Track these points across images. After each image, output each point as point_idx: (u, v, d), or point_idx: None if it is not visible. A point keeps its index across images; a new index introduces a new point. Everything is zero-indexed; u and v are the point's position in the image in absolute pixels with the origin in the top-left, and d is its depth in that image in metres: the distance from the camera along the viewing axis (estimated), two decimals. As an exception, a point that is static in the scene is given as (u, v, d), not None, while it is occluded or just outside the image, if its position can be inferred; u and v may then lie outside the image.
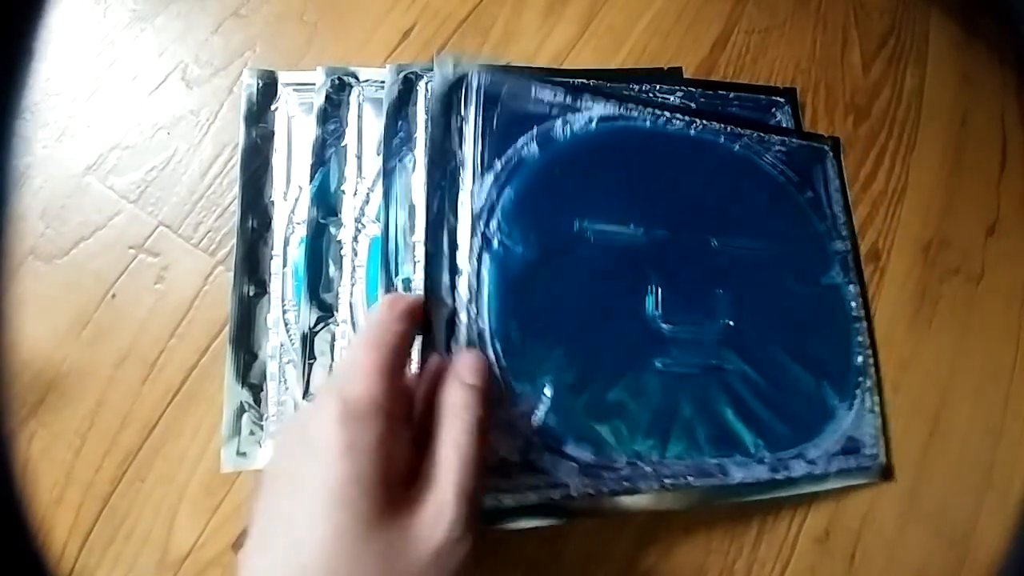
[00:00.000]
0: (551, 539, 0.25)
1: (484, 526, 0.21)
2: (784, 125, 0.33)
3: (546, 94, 0.26)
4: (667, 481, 0.24)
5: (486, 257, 0.23)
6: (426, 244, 0.22)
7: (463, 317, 0.22)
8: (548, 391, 0.23)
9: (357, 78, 0.28)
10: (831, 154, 0.33)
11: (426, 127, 0.25)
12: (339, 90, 0.28)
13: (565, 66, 0.32)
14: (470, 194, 0.23)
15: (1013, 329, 0.34)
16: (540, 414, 0.22)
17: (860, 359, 0.30)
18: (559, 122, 0.26)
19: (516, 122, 0.25)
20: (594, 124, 0.27)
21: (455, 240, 0.23)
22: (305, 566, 0.15)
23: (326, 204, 0.27)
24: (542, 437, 0.22)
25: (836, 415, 0.28)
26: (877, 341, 0.31)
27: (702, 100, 0.31)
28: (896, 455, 0.30)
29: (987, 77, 0.40)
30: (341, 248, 0.26)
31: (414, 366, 0.21)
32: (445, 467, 0.17)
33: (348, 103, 0.28)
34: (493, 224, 0.23)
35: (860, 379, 0.29)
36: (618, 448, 0.23)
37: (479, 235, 0.23)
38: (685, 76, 0.33)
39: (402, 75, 0.27)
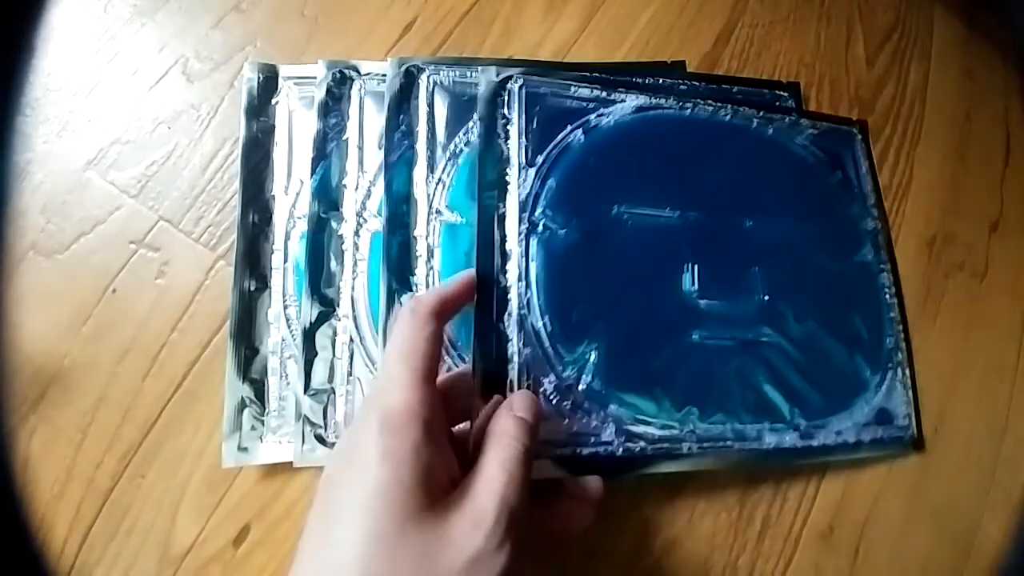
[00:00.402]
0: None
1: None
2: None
3: (583, 91, 0.28)
4: (705, 445, 0.25)
5: (532, 240, 0.25)
6: (478, 231, 0.24)
7: (513, 294, 0.24)
8: (593, 358, 0.24)
9: (358, 72, 0.28)
10: (859, 136, 0.34)
11: (474, 129, 0.27)
12: (340, 84, 0.28)
13: (567, 61, 0.32)
14: (517, 185, 0.25)
15: (1017, 325, 0.34)
16: (586, 378, 0.24)
17: (892, 334, 0.31)
18: (595, 116, 0.28)
19: (556, 119, 0.27)
20: (629, 115, 0.29)
21: (504, 227, 0.25)
22: (342, 565, 0.15)
23: (327, 198, 0.27)
24: (586, 399, 0.24)
25: (869, 387, 0.29)
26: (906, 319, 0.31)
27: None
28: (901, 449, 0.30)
29: (990, 73, 0.40)
30: (342, 243, 0.26)
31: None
32: (490, 481, 0.17)
33: (349, 97, 0.28)
34: (538, 211, 0.25)
35: (892, 353, 0.30)
36: (658, 412, 0.25)
37: (526, 221, 0.25)
38: (688, 70, 0.33)
39: (404, 68, 0.28)
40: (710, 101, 0.30)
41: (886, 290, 0.31)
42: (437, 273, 0.26)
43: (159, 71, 0.29)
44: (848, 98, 0.35)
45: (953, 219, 0.35)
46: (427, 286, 0.26)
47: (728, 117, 0.30)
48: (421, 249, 0.26)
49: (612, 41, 0.33)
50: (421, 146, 0.27)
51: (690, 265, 0.27)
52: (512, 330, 0.23)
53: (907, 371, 0.30)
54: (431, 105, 0.28)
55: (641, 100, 0.29)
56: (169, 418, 0.25)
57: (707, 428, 0.25)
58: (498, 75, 0.26)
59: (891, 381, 0.30)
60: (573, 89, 0.28)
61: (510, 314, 0.24)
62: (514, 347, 0.23)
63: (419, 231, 0.26)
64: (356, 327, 0.25)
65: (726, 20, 0.35)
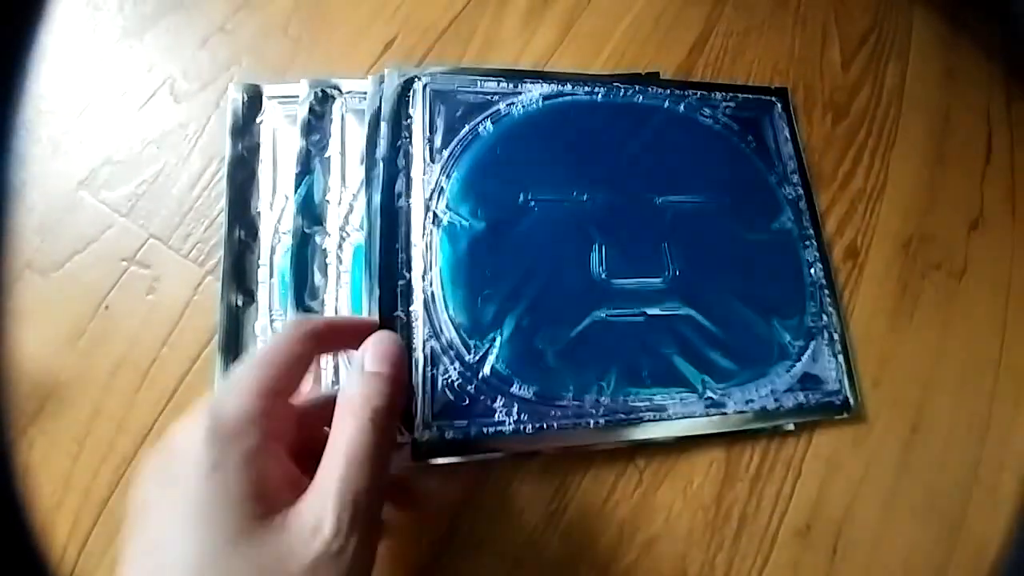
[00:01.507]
0: (535, 538, 0.26)
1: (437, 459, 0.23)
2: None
3: (490, 85, 0.29)
4: (611, 418, 0.26)
5: (437, 232, 0.26)
6: (381, 227, 0.25)
7: (418, 288, 0.25)
8: (498, 341, 0.26)
9: (340, 90, 0.29)
10: (779, 104, 0.34)
11: (375, 129, 0.28)
12: (322, 102, 0.29)
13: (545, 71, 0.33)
14: (421, 180, 0.27)
15: (998, 323, 0.34)
16: (491, 361, 0.25)
17: (814, 298, 0.31)
18: (503, 107, 0.29)
19: (462, 114, 0.29)
20: (537, 104, 0.30)
21: (409, 221, 0.26)
22: None
23: (311, 214, 0.27)
24: (490, 381, 0.25)
25: (789, 352, 0.29)
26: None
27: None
28: (878, 449, 0.30)
29: (972, 71, 0.40)
30: (326, 256, 0.27)
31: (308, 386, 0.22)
32: (328, 473, 0.16)
33: (331, 115, 0.29)
34: (442, 204, 0.27)
35: (815, 317, 0.31)
36: (563, 390, 0.26)
37: (430, 214, 0.26)
38: (663, 79, 0.33)
39: (404, 80, 0.29)
40: (616, 84, 0.31)
41: (808, 256, 0.32)
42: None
43: (147, 91, 0.30)
44: (822, 103, 0.36)
45: (931, 219, 0.35)
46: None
47: (639, 99, 0.31)
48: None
49: (589, 52, 0.34)
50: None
51: (597, 246, 0.28)
52: (417, 323, 0.25)
53: (835, 335, 0.31)
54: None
55: (548, 88, 0.30)
56: (161, 429, 0.26)
57: (612, 402, 0.26)
58: (401, 76, 0.28)
59: (816, 346, 0.30)
60: (479, 84, 0.29)
61: (414, 308, 0.25)
62: (418, 340, 0.25)
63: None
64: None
65: (701, 29, 0.35)
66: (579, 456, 0.27)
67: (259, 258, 0.27)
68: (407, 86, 0.28)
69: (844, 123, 0.36)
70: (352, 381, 0.18)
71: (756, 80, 0.35)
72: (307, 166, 0.28)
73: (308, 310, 0.26)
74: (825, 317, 0.31)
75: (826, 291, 0.31)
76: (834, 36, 0.38)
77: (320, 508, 0.15)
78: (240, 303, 0.27)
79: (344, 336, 0.21)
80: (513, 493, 0.26)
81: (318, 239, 0.27)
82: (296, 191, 0.27)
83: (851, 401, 0.30)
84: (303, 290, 0.26)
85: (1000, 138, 0.39)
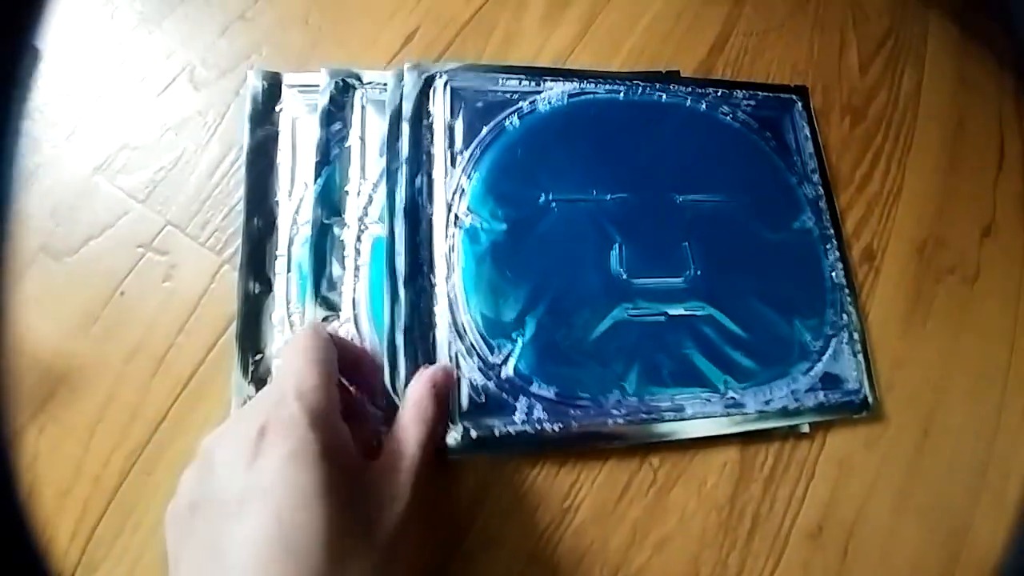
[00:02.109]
0: (548, 535, 0.26)
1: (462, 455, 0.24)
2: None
3: (512, 83, 0.29)
4: (632, 418, 0.26)
5: (459, 234, 0.27)
6: (406, 230, 0.25)
7: (442, 290, 0.26)
8: (520, 342, 0.26)
9: (360, 80, 0.29)
10: (799, 103, 0.34)
11: (396, 127, 0.28)
12: (343, 92, 0.29)
13: (564, 68, 0.33)
14: (443, 182, 0.27)
15: (1008, 329, 0.34)
16: (513, 361, 0.25)
17: (835, 298, 0.31)
18: (525, 105, 0.29)
19: (483, 113, 0.28)
20: (559, 103, 0.30)
21: (431, 224, 0.26)
22: (302, 553, 0.16)
23: (330, 204, 0.27)
24: (512, 381, 0.25)
25: (810, 352, 0.29)
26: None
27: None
28: (890, 452, 0.30)
29: (985, 79, 0.40)
30: (344, 248, 0.27)
31: None
32: (407, 456, 0.20)
33: (352, 105, 0.29)
34: (463, 206, 0.27)
35: (835, 317, 0.31)
36: (584, 389, 0.26)
37: (452, 216, 0.26)
38: (683, 76, 0.33)
39: (425, 77, 0.29)
40: (638, 82, 0.31)
41: (828, 255, 0.31)
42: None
43: (166, 78, 0.30)
44: (840, 105, 0.36)
45: (945, 224, 0.35)
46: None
47: (660, 97, 0.31)
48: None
49: (609, 49, 0.34)
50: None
51: (618, 246, 0.28)
52: (441, 325, 0.25)
53: (856, 334, 0.30)
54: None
55: (570, 86, 0.30)
56: (176, 417, 0.26)
57: (634, 402, 0.26)
58: (422, 75, 0.27)
59: (836, 346, 0.30)
60: (501, 82, 0.29)
61: (438, 309, 0.25)
62: (442, 342, 0.25)
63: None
64: (357, 329, 0.26)
65: (721, 28, 0.35)
66: (593, 455, 0.27)
67: (277, 248, 0.27)
68: (428, 84, 0.28)
69: (862, 126, 0.36)
70: (422, 393, 0.22)
71: (776, 81, 0.35)
72: (326, 156, 0.28)
73: (326, 301, 0.26)
74: (846, 316, 0.31)
75: (846, 290, 0.31)
76: (852, 40, 0.38)
77: (400, 480, 0.20)
78: (258, 292, 0.26)
79: (345, 353, 0.23)
80: (527, 490, 0.26)
81: (336, 230, 0.27)
82: (315, 181, 0.27)
83: (870, 400, 0.30)
84: (321, 281, 0.26)
85: (1012, 145, 0.39)
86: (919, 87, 0.39)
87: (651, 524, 0.27)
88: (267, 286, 0.27)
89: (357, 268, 0.27)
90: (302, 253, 0.27)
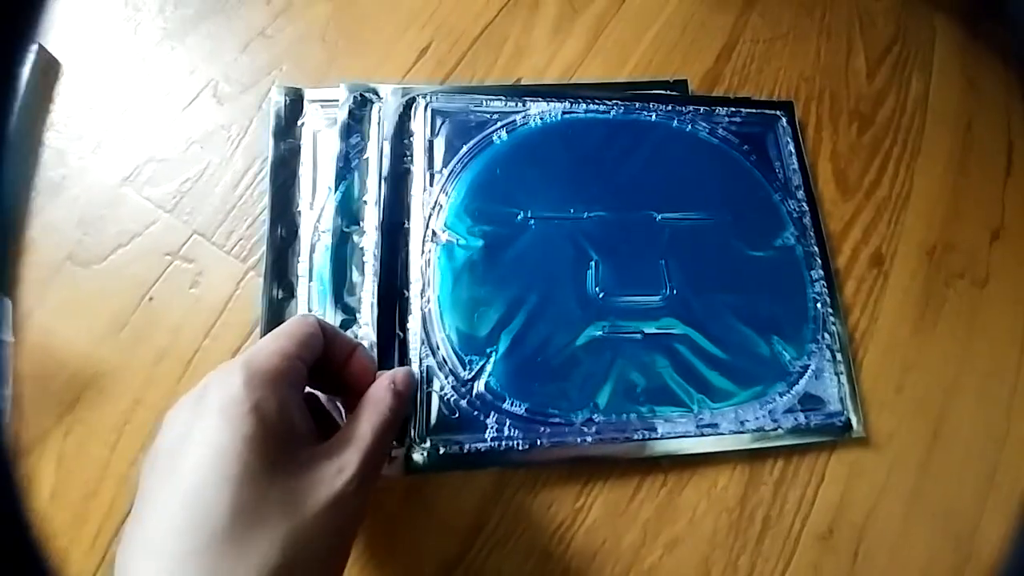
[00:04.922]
0: (560, 535, 0.27)
1: (430, 473, 0.25)
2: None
3: (495, 104, 0.30)
4: (603, 436, 0.26)
5: (436, 249, 0.27)
6: (382, 243, 0.26)
7: (416, 307, 0.26)
8: (493, 358, 0.26)
9: (378, 94, 0.30)
10: (783, 119, 0.34)
11: (379, 148, 0.29)
12: (361, 106, 0.30)
13: (574, 80, 0.34)
14: (420, 200, 0.28)
15: (1018, 332, 0.34)
16: (485, 377, 0.26)
17: (817, 316, 0.30)
18: (507, 123, 0.30)
19: (463, 133, 0.29)
20: (536, 122, 0.30)
21: (408, 239, 0.27)
22: (211, 502, 0.16)
23: (349, 213, 0.28)
24: (484, 397, 0.26)
25: (789, 372, 0.29)
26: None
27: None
28: (900, 455, 0.30)
29: (992, 82, 0.40)
30: (363, 255, 0.28)
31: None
32: (358, 438, 0.20)
33: (369, 118, 0.30)
34: (440, 222, 0.27)
35: (818, 336, 0.30)
36: (556, 406, 0.26)
37: (429, 231, 0.27)
38: (691, 87, 0.34)
39: (406, 99, 0.29)
40: (618, 101, 0.31)
41: (811, 272, 0.31)
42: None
43: (191, 93, 0.31)
44: (848, 111, 0.36)
45: (954, 228, 0.36)
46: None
47: (639, 115, 0.31)
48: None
49: (617, 59, 0.35)
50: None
51: (594, 264, 0.28)
52: (414, 341, 0.25)
53: (839, 355, 0.30)
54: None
55: (551, 107, 0.30)
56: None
57: (605, 420, 0.26)
58: (404, 96, 0.28)
59: (818, 365, 0.29)
60: (483, 103, 0.30)
61: (411, 325, 0.26)
62: (415, 356, 0.25)
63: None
64: (376, 333, 0.27)
65: (727, 37, 0.36)
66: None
67: (299, 255, 0.28)
68: (409, 105, 0.29)
69: (870, 132, 0.36)
70: (383, 387, 0.22)
71: (783, 88, 0.36)
72: (346, 167, 0.29)
73: (346, 307, 0.27)
74: (828, 336, 0.30)
75: (830, 308, 0.31)
76: (859, 46, 0.38)
77: (348, 457, 0.19)
78: (280, 298, 0.27)
79: (335, 347, 0.22)
80: (539, 490, 0.27)
81: (356, 238, 0.28)
82: (335, 191, 0.28)
83: (854, 423, 0.29)
84: (342, 287, 0.27)
85: (1021, 148, 0.39)
86: (927, 92, 0.39)
87: (662, 524, 0.27)
88: (290, 292, 0.28)
89: (375, 274, 0.28)
90: (323, 260, 0.28)
